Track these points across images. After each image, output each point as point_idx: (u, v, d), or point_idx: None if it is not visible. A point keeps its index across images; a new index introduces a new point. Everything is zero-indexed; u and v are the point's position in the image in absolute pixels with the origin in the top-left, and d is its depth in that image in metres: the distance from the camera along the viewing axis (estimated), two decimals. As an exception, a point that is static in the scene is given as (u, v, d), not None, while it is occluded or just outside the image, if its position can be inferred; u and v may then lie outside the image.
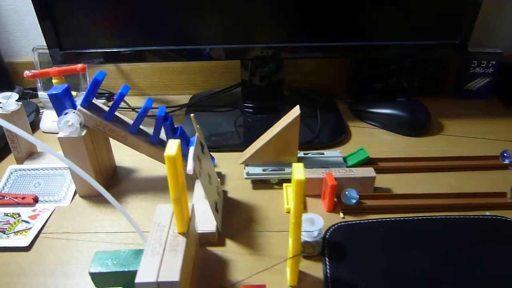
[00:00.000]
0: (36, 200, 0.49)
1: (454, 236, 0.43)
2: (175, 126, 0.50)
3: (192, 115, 0.41)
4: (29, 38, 0.74)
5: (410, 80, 0.73)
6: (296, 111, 0.48)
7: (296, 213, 0.33)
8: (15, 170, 0.53)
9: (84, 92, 0.46)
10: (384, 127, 0.65)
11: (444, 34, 0.60)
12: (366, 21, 0.58)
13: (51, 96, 0.44)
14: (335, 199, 0.47)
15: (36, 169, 0.54)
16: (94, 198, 0.49)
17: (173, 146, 0.32)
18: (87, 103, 0.45)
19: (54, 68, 0.59)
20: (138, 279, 0.32)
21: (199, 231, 0.43)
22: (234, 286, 0.38)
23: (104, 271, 0.34)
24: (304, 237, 0.41)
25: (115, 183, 0.53)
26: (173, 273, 0.32)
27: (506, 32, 0.75)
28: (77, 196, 0.50)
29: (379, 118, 0.65)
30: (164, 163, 0.37)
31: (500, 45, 0.75)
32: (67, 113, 0.44)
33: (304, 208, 0.48)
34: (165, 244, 0.35)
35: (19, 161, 0.56)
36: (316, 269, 0.40)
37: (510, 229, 0.44)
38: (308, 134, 0.61)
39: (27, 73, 0.57)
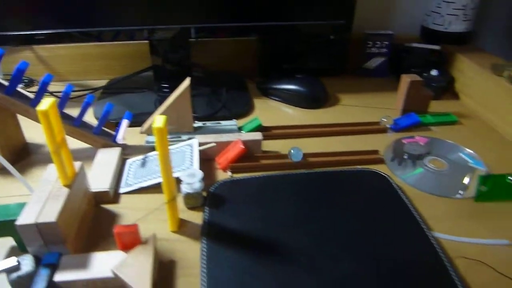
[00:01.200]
0: None
1: (329, 186, 0.49)
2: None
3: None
4: None
5: (315, 61, 0.80)
6: (186, 82, 0.53)
7: (163, 159, 0.38)
8: None
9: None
10: (286, 101, 0.71)
11: (331, 15, 0.66)
12: (264, 3, 0.63)
13: None
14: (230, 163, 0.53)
15: None
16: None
17: (46, 103, 0.36)
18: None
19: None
20: (18, 221, 0.36)
21: (93, 190, 0.47)
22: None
23: (-10, 220, 0.38)
24: (186, 189, 0.46)
25: (23, 156, 0.56)
26: (51, 215, 0.37)
27: (398, 15, 0.83)
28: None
29: (281, 93, 0.71)
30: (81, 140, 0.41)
31: (392, 27, 0.83)
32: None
33: (201, 168, 0.53)
34: (49, 194, 0.39)
35: None
36: (197, 218, 0.45)
37: (378, 179, 0.51)
38: (214, 108, 0.66)
39: None
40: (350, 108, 0.70)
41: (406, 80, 0.64)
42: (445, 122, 0.66)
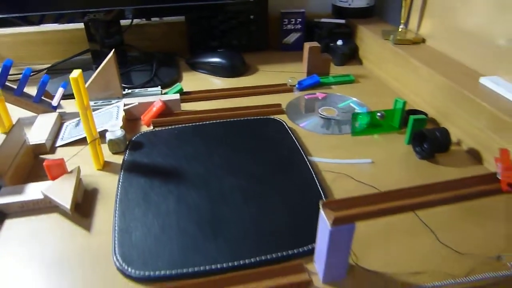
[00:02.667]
0: None
1: (233, 131, 0.59)
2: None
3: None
4: None
5: (238, 39, 0.90)
6: (110, 54, 0.62)
7: (79, 105, 0.47)
8: None
9: None
10: (210, 72, 0.81)
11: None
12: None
13: None
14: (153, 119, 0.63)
15: None
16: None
17: (76, 73, 0.45)
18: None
19: None
20: None
21: (31, 142, 0.56)
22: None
23: None
24: (109, 136, 0.55)
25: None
26: None
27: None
28: None
29: (206, 66, 0.81)
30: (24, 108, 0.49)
31: (305, 6, 0.95)
32: None
33: (127, 126, 0.62)
34: None
35: None
36: (120, 160, 0.55)
37: (276, 124, 0.61)
38: (145, 80, 0.75)
39: None
40: (265, 75, 0.81)
41: (306, 47, 0.75)
42: (344, 81, 0.77)
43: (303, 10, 0.90)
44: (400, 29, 0.78)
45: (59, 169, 0.48)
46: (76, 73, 0.45)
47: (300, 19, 0.90)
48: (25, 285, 0.37)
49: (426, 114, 0.61)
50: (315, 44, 0.76)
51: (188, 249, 0.39)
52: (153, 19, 0.90)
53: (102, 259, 0.40)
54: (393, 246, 0.41)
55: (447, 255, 0.40)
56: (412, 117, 0.56)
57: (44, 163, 0.46)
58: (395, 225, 0.43)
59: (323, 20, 0.90)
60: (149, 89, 0.70)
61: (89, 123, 0.49)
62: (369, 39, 0.83)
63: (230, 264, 0.38)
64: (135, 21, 0.87)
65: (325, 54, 0.78)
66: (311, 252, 0.39)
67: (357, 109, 0.67)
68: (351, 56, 0.87)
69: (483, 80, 0.59)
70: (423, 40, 0.75)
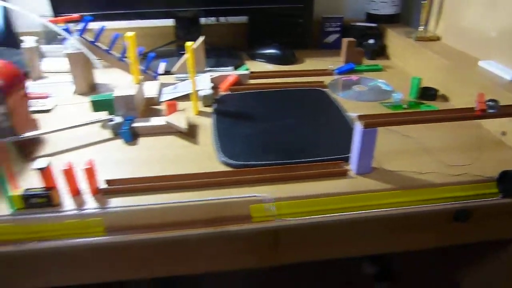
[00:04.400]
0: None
1: (287, 95, 0.81)
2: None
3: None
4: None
5: (288, 37, 1.12)
6: (201, 39, 0.86)
7: (190, 69, 0.70)
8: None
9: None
10: (267, 61, 1.03)
11: (295, 0, 1.00)
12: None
13: (65, 29, 0.79)
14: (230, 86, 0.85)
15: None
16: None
17: (197, 42, 0.68)
18: (81, 34, 0.81)
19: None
20: (115, 94, 0.68)
21: (146, 96, 0.78)
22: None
23: (97, 99, 0.69)
24: (202, 93, 0.77)
25: (93, 89, 0.88)
26: (130, 92, 0.68)
27: (348, 3, 1.17)
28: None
29: (263, 56, 1.03)
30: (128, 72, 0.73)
31: (343, 12, 1.16)
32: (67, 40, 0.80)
33: (216, 89, 0.84)
34: (127, 87, 0.71)
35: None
36: (210, 110, 0.77)
37: (320, 93, 0.82)
38: (216, 66, 0.98)
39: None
40: (310, 63, 1.02)
41: (345, 41, 0.97)
42: (374, 69, 0.97)
43: (342, 16, 1.11)
44: (420, 30, 0.98)
45: (174, 107, 0.70)
46: (192, 43, 0.68)
47: (338, 23, 1.11)
48: (156, 171, 0.58)
49: (436, 90, 0.81)
50: (352, 39, 0.97)
51: (265, 151, 0.60)
52: (220, 19, 1.14)
53: (209, 156, 0.61)
54: (404, 160, 0.60)
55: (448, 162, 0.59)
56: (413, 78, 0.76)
57: (166, 103, 0.69)
58: (405, 147, 0.63)
59: (357, 24, 1.11)
60: (223, 68, 0.92)
61: (193, 79, 0.72)
62: (395, 38, 1.04)
63: (293, 160, 0.59)
64: (207, 21, 1.11)
65: (359, 48, 0.98)
66: (347, 159, 0.59)
67: (383, 87, 0.87)
68: (380, 52, 1.07)
69: (481, 63, 0.78)
70: (438, 38, 0.95)
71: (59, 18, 0.87)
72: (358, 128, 0.54)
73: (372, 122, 0.53)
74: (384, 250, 0.63)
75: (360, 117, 0.54)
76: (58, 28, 0.77)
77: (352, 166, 0.58)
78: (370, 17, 1.14)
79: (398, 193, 0.55)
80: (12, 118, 0.59)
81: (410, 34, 0.97)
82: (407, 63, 0.97)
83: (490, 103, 0.55)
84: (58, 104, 0.80)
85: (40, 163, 0.49)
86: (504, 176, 0.55)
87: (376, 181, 0.56)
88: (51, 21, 0.81)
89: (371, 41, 1.06)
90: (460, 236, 0.61)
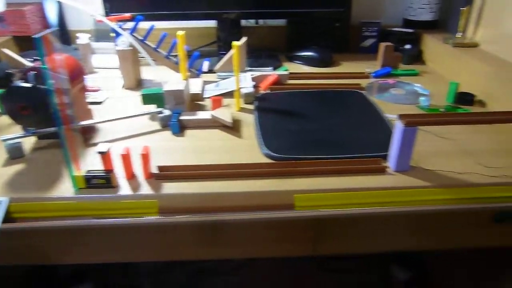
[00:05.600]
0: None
1: (327, 96, 0.83)
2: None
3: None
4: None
5: (326, 40, 1.15)
6: (244, 39, 0.89)
7: (235, 67, 0.73)
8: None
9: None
10: (305, 63, 1.06)
11: (335, 5, 1.02)
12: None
13: (119, 26, 0.84)
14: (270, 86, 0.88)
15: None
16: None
17: (239, 42, 0.72)
18: (132, 33, 0.86)
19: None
20: (165, 88, 0.72)
21: (191, 92, 0.83)
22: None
23: (148, 92, 0.74)
24: (244, 90, 0.81)
25: (140, 84, 0.93)
26: (180, 87, 0.73)
27: (386, 9, 1.18)
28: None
29: (301, 58, 1.06)
30: (173, 69, 0.77)
31: (381, 17, 1.18)
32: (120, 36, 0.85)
33: (256, 88, 0.87)
34: (175, 84, 0.75)
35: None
36: (251, 107, 0.80)
37: (359, 95, 0.84)
38: (256, 66, 1.02)
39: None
40: (347, 66, 1.04)
41: (382, 45, 0.99)
42: (410, 74, 0.99)
43: (379, 21, 1.13)
44: (458, 36, 0.99)
45: (218, 103, 0.74)
46: (238, 42, 0.72)
47: (376, 28, 1.13)
48: (203, 161, 0.62)
49: (473, 95, 0.81)
50: (389, 43, 0.98)
51: (305, 146, 0.63)
52: (260, 22, 1.18)
53: (252, 149, 0.64)
54: (442, 160, 0.62)
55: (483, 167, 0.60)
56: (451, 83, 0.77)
57: (210, 98, 0.73)
58: (443, 148, 0.64)
59: (395, 29, 1.12)
60: (263, 68, 0.96)
61: (237, 76, 0.75)
62: (432, 44, 1.05)
63: (332, 155, 0.61)
64: (248, 23, 1.15)
65: (396, 52, 1.00)
66: (385, 157, 0.61)
67: (420, 91, 0.88)
68: (417, 58, 1.08)
69: (520, 70, 0.79)
70: (477, 45, 0.96)
71: (111, 17, 0.92)
72: (399, 126, 0.56)
73: (412, 121, 0.55)
74: (420, 247, 0.65)
75: (401, 116, 0.56)
76: (113, 25, 0.82)
77: (391, 163, 0.60)
78: (407, 23, 1.16)
79: (436, 190, 0.56)
80: (74, 107, 0.64)
81: (448, 40, 0.98)
82: (443, 68, 0.98)
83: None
84: (108, 97, 0.85)
85: (101, 147, 0.54)
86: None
87: (414, 178, 0.57)
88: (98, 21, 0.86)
89: (407, 46, 1.07)
90: (499, 238, 0.62)
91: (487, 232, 0.60)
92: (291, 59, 1.09)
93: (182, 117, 0.71)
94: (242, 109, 0.79)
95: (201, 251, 0.57)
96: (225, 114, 0.71)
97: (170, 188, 0.55)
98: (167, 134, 0.70)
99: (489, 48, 0.92)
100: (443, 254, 1.06)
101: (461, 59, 0.91)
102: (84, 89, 0.70)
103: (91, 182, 0.54)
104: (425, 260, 1.17)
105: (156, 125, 0.73)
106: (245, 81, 0.85)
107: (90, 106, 0.74)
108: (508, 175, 0.58)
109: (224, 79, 0.92)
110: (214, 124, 0.72)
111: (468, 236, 0.61)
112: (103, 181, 0.54)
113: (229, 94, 0.82)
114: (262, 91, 0.88)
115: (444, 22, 1.15)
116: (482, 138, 0.68)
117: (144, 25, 0.90)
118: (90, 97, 0.84)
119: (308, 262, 1.30)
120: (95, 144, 0.66)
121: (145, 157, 0.55)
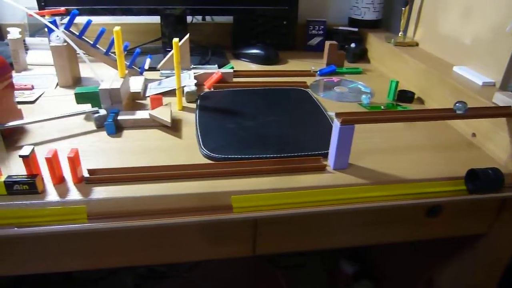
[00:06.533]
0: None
1: (270, 93, 0.83)
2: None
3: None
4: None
5: (273, 38, 1.15)
6: (187, 36, 0.87)
7: (175, 65, 0.71)
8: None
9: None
10: (251, 61, 1.05)
11: (281, 3, 1.02)
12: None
13: (52, 22, 0.79)
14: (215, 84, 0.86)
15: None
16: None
17: (178, 40, 0.69)
18: (67, 28, 0.82)
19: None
20: (100, 87, 0.69)
21: (131, 90, 0.80)
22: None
23: (82, 91, 0.70)
24: (187, 89, 0.79)
25: (78, 82, 0.88)
26: (116, 85, 0.69)
27: (331, 8, 1.20)
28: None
29: (247, 55, 1.05)
30: (113, 67, 0.74)
31: (327, 16, 1.19)
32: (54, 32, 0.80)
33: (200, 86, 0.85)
34: (112, 81, 0.72)
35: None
36: (193, 106, 0.78)
37: (302, 92, 0.84)
38: (201, 64, 1.00)
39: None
40: (293, 64, 1.05)
41: (327, 44, 0.99)
42: (354, 72, 1.00)
43: (325, 19, 1.14)
44: (399, 35, 1.02)
45: (158, 102, 0.71)
46: (176, 39, 0.69)
47: (322, 26, 1.14)
48: (139, 163, 0.60)
49: (413, 93, 0.84)
50: (334, 42, 1.00)
51: (246, 145, 0.62)
52: (206, 19, 1.16)
53: (191, 149, 0.62)
54: (378, 158, 0.63)
55: (423, 160, 0.62)
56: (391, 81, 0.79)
57: (149, 97, 0.70)
58: (379, 146, 0.66)
59: (340, 28, 1.14)
60: (208, 66, 0.94)
61: (178, 75, 0.73)
62: (375, 43, 1.07)
63: (272, 155, 0.61)
64: (194, 20, 1.12)
65: (341, 51, 1.01)
66: (326, 155, 0.62)
67: (363, 89, 0.90)
68: (361, 56, 1.10)
69: (455, 68, 0.81)
70: (417, 44, 0.99)
71: (45, 11, 0.87)
72: (336, 125, 0.56)
73: (349, 119, 0.56)
74: (359, 243, 0.65)
75: (338, 115, 0.56)
76: (45, 21, 0.77)
77: (330, 161, 0.60)
78: (352, 22, 1.18)
79: (373, 187, 0.57)
80: (-3, 106, 0.59)
81: (390, 39, 1.01)
82: (386, 67, 1.01)
83: (458, 104, 0.58)
84: (42, 96, 0.80)
85: (24, 150, 0.50)
86: (472, 174, 0.58)
87: (352, 176, 0.58)
88: (37, 13, 0.81)
89: (352, 45, 1.09)
90: (432, 231, 0.64)
91: (420, 226, 0.62)
92: (238, 56, 1.08)
93: (119, 117, 0.68)
94: (184, 108, 0.77)
95: (137, 257, 0.55)
96: (164, 113, 0.69)
97: (100, 192, 0.52)
98: (103, 135, 0.67)
99: (427, 47, 0.95)
100: (385, 247, 1.09)
101: (401, 57, 0.93)
102: (11, 87, 0.65)
103: (12, 188, 0.50)
104: (369, 253, 1.20)
105: (91, 126, 0.69)
106: (188, 79, 0.83)
107: (20, 106, 0.69)
108: (439, 171, 0.60)
109: (167, 77, 0.90)
110: (153, 124, 0.69)
111: (404, 230, 0.63)
112: (26, 186, 0.50)
113: (172, 93, 0.79)
114: (206, 90, 0.86)
115: (387, 22, 1.18)
116: (418, 136, 0.70)
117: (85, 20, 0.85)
118: (21, 96, 0.78)
119: (259, 260, 1.30)
120: (21, 147, 0.61)
121: (73, 160, 0.52)
